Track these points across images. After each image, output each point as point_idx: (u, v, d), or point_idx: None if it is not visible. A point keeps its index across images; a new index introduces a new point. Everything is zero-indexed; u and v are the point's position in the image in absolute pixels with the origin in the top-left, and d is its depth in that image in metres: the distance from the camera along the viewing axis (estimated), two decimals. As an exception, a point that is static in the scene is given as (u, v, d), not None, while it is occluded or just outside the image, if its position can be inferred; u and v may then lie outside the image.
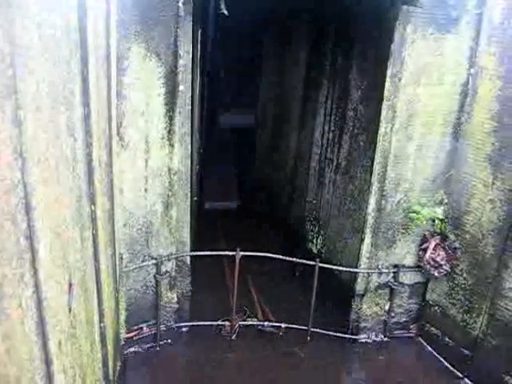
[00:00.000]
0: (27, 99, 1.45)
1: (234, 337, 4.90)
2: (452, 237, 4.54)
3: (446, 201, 4.58)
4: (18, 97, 1.37)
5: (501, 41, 4.00)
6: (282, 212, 7.43)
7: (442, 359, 4.77)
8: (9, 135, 1.32)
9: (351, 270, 4.86)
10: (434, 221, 4.62)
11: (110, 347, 3.07)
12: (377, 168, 4.48)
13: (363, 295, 4.84)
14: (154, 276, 4.50)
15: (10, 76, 1.31)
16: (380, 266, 4.75)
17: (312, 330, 4.91)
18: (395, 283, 4.79)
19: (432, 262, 4.58)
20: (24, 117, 1.41)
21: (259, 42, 7.96)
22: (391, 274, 4.79)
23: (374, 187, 4.52)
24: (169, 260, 4.52)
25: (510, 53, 3.95)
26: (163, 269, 4.50)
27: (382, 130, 4.37)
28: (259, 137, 8.29)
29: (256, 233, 7.13)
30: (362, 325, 4.95)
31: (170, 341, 4.76)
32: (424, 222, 4.60)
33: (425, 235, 4.67)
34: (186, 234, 4.56)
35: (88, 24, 2.17)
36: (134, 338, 4.56)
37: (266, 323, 5.04)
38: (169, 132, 4.13)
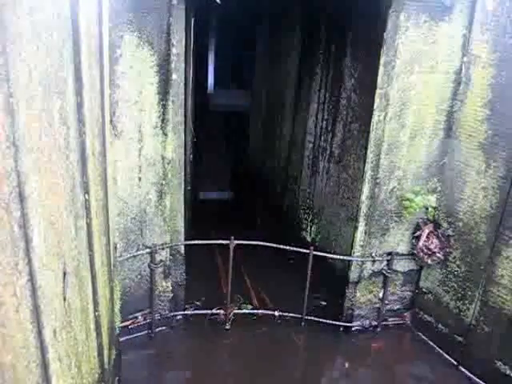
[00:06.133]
0: (19, 87, 1.44)
1: (228, 325, 4.92)
2: (445, 224, 4.57)
3: (439, 189, 4.60)
4: (10, 85, 1.36)
5: (494, 28, 4.01)
6: (275, 201, 7.44)
7: (435, 346, 4.82)
8: (1, 124, 1.32)
9: (345, 257, 4.88)
10: (427, 209, 4.65)
11: (105, 336, 3.07)
12: (370, 156, 4.48)
13: (357, 283, 4.87)
14: (149, 265, 4.51)
15: (2, 64, 1.30)
16: (374, 254, 4.77)
17: (306, 317, 4.94)
18: (389, 271, 4.82)
19: (425, 250, 4.61)
20: (16, 105, 1.41)
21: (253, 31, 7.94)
22: (385, 262, 4.82)
23: (368, 175, 4.53)
24: (163, 249, 4.53)
25: (503, 40, 3.95)
26: (157, 258, 4.51)
27: (375, 119, 4.37)
28: (252, 125, 8.29)
29: (250, 221, 7.14)
30: (356, 312, 4.98)
31: (164, 329, 4.79)
32: (417, 210, 4.63)
33: (418, 223, 4.70)
34: (180, 223, 4.57)
35: (80, 12, 2.14)
36: (129, 326, 4.58)
37: (259, 311, 5.07)
38: (162, 121, 4.12)
